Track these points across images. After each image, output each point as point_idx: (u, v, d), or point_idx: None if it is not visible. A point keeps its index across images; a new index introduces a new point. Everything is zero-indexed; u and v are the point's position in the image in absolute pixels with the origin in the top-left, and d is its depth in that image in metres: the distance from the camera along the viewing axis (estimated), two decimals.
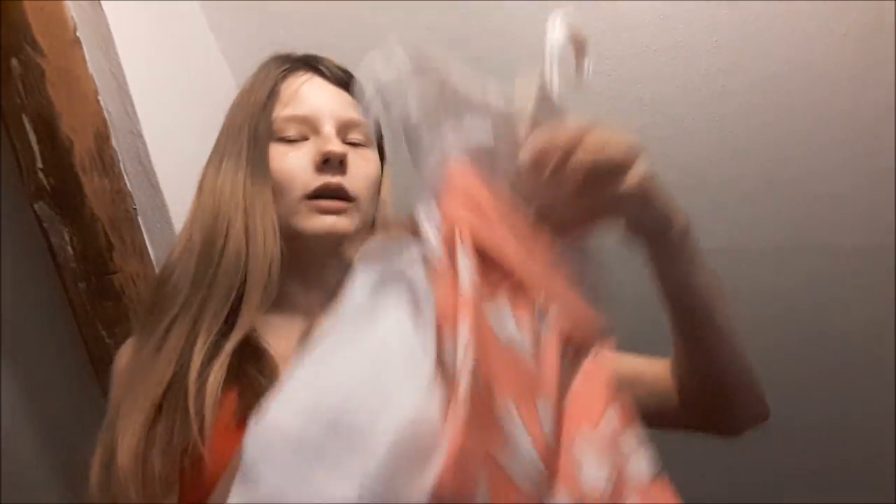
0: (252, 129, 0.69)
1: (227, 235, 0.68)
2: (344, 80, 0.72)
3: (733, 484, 1.27)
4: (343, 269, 0.72)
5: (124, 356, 0.71)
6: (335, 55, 0.72)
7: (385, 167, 0.78)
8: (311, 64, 0.73)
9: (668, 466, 0.47)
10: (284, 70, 0.71)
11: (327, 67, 0.73)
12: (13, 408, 1.07)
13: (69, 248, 0.93)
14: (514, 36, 1.09)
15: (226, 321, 0.66)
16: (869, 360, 1.20)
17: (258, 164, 0.69)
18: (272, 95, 0.70)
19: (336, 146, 0.68)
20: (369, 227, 0.74)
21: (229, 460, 0.58)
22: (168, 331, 0.66)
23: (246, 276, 0.67)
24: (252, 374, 0.64)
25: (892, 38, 1.05)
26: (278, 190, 0.68)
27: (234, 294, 0.66)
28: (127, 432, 0.61)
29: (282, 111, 0.69)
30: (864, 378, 1.21)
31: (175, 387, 0.62)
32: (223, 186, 0.69)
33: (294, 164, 0.68)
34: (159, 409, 0.62)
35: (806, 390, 1.23)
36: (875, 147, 1.11)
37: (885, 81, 1.07)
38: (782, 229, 1.15)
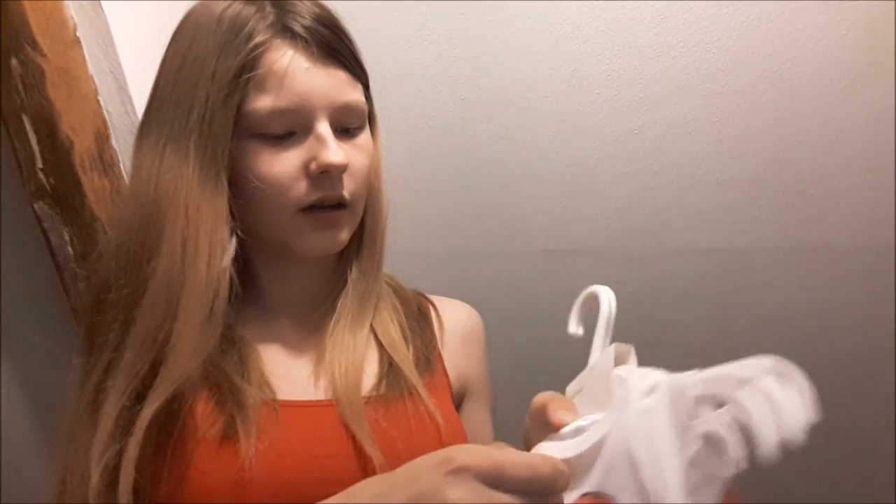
0: (209, 113, 0.54)
1: (158, 250, 0.54)
2: (332, 47, 0.59)
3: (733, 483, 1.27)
4: (326, 264, 0.67)
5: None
6: None
7: (374, 128, 0.67)
8: (291, 28, 0.57)
9: None
10: (261, 43, 0.56)
11: (311, 31, 0.58)
12: (13, 407, 1.07)
13: (69, 248, 0.93)
14: (514, 36, 1.09)
15: (151, 369, 0.53)
16: (869, 360, 1.20)
17: (210, 161, 0.54)
18: (243, 75, 0.55)
19: (336, 155, 0.57)
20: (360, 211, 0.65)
21: (228, 477, 0.53)
22: (103, 384, 0.55)
23: (178, 309, 0.52)
24: (233, 377, 0.56)
25: (892, 38, 1.05)
26: (264, 198, 0.57)
27: (161, 335, 0.53)
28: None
29: (262, 101, 0.55)
30: (864, 378, 1.21)
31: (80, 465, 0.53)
32: (163, 178, 0.55)
33: (284, 170, 0.57)
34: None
35: None
36: (875, 147, 1.10)
37: (885, 81, 1.07)
38: (782, 229, 1.15)
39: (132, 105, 0.91)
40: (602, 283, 0.54)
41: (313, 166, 0.57)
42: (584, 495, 0.44)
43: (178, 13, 1.09)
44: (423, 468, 0.40)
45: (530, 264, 1.19)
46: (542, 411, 0.46)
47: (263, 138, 0.57)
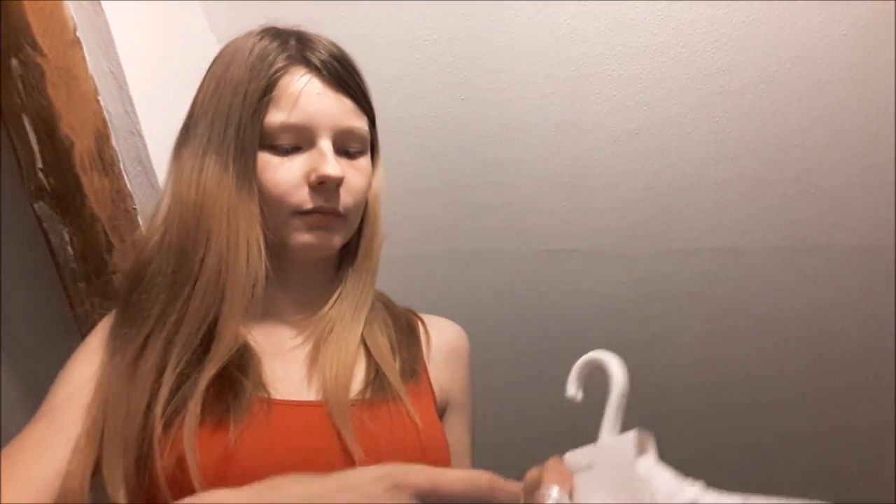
0: (242, 130, 0.64)
1: (207, 246, 0.63)
2: (343, 79, 0.68)
3: (733, 485, 1.27)
4: (324, 274, 0.74)
5: (98, 341, 0.67)
6: None
7: (376, 159, 0.75)
8: (308, 59, 0.67)
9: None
10: (281, 67, 0.65)
11: (325, 64, 0.67)
12: (13, 407, 1.07)
13: (69, 248, 0.93)
14: (514, 36, 1.09)
15: (201, 342, 0.62)
16: (869, 361, 1.20)
17: (245, 171, 0.64)
18: (266, 95, 0.64)
19: (333, 168, 0.64)
20: (356, 226, 0.73)
21: (213, 459, 0.58)
22: (143, 350, 0.62)
23: (224, 295, 0.62)
24: (234, 374, 0.62)
25: (892, 38, 1.05)
26: (267, 201, 0.65)
27: (210, 315, 0.62)
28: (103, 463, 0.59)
29: (276, 116, 0.64)
30: (864, 379, 1.21)
31: (146, 420, 0.59)
32: (207, 186, 0.64)
33: (287, 178, 0.64)
34: (135, 439, 0.59)
35: (805, 390, 1.23)
36: (875, 147, 1.11)
37: (885, 81, 1.07)
38: (782, 229, 1.15)
39: (132, 105, 0.91)
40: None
41: (313, 176, 0.64)
42: None
43: (179, 13, 1.09)
44: (361, 481, 0.43)
45: (530, 264, 1.19)
46: (538, 487, 0.47)
47: (273, 149, 0.65)
